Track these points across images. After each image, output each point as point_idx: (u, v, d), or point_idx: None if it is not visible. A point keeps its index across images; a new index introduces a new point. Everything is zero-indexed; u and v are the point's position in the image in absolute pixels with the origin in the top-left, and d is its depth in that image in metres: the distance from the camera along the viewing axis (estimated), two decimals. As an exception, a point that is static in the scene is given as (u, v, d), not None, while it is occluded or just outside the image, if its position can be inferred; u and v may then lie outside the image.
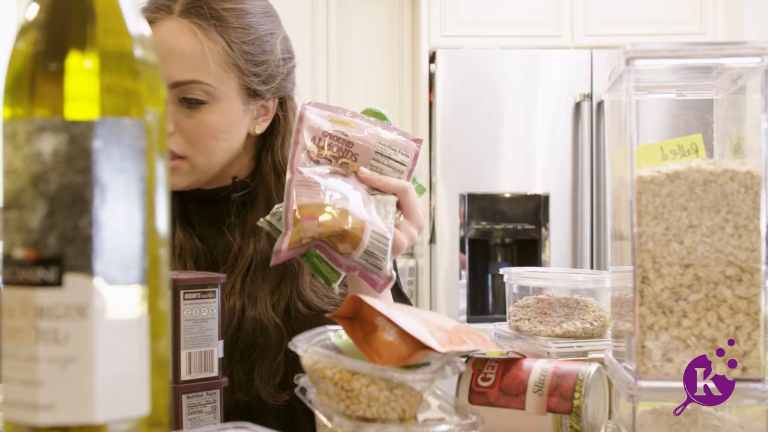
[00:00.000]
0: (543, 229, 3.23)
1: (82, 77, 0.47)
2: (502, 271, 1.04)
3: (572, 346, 0.92)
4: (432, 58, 3.37)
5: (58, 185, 0.46)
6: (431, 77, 3.37)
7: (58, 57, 0.46)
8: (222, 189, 1.13)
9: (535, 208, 3.24)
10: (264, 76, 1.09)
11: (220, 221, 1.14)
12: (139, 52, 0.49)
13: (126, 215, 0.47)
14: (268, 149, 1.14)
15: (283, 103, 1.14)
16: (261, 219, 0.91)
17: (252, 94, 1.08)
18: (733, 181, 0.69)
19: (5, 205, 0.47)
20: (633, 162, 0.70)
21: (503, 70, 3.27)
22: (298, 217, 0.82)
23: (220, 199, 1.13)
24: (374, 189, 0.89)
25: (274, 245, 0.85)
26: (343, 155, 0.88)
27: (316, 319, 1.06)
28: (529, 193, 3.25)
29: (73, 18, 0.47)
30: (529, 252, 3.27)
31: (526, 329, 0.96)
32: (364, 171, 0.88)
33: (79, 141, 0.46)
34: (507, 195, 3.25)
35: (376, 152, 0.90)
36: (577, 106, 3.24)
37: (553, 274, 1.04)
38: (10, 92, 0.48)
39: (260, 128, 1.12)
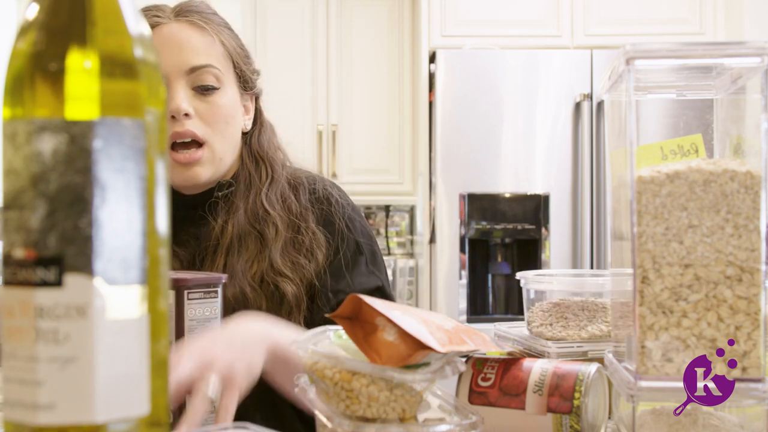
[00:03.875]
0: (543, 229, 3.23)
1: (82, 77, 0.46)
2: (518, 275, 1.03)
3: (572, 346, 0.92)
4: (432, 58, 3.37)
5: (58, 185, 0.46)
6: (431, 77, 3.37)
7: (58, 57, 0.46)
8: (206, 193, 1.22)
9: (535, 208, 3.24)
10: (251, 67, 1.26)
11: (202, 218, 1.22)
12: (139, 52, 0.49)
13: (126, 215, 0.47)
14: (247, 141, 1.27)
15: (258, 102, 1.31)
16: None
17: (243, 86, 1.24)
18: (733, 181, 0.69)
19: (5, 205, 0.47)
20: (633, 162, 0.70)
21: (503, 70, 3.27)
22: None
23: (204, 202, 1.22)
24: None
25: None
26: None
27: (285, 284, 1.17)
28: (529, 193, 3.25)
29: (73, 18, 0.47)
30: (529, 252, 3.27)
31: (550, 335, 0.94)
32: None
33: (79, 141, 0.46)
34: (507, 195, 3.25)
35: None
36: (577, 106, 3.24)
37: (575, 279, 1.03)
38: (10, 92, 0.48)
39: (247, 125, 1.26)
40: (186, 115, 1.15)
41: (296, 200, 1.23)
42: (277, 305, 1.16)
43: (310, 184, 1.27)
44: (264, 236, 1.19)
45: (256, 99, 1.30)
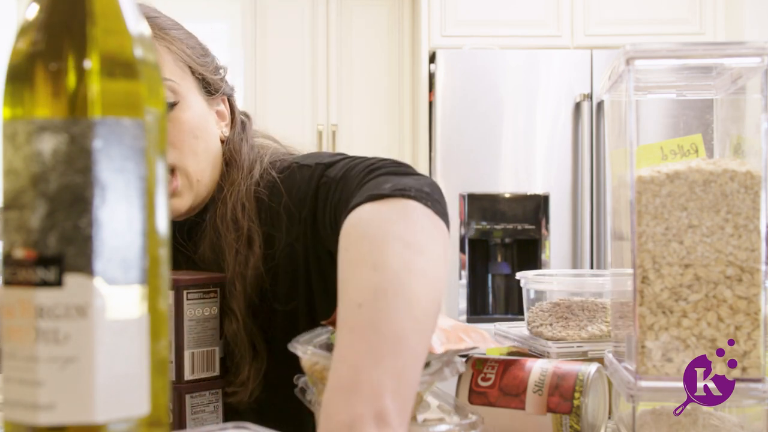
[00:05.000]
0: (543, 229, 3.23)
1: (82, 77, 0.46)
2: (518, 275, 1.03)
3: (572, 346, 0.92)
4: (432, 58, 3.37)
5: (58, 185, 0.46)
6: (431, 77, 3.37)
7: (58, 57, 0.46)
8: (197, 214, 1.10)
9: (535, 208, 3.24)
10: (211, 68, 1.10)
11: (194, 245, 1.10)
12: (139, 52, 0.49)
13: (126, 215, 0.47)
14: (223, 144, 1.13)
15: (231, 101, 1.16)
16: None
17: (207, 90, 1.09)
18: (733, 181, 0.69)
19: (5, 205, 0.47)
20: (633, 162, 0.70)
21: (503, 70, 3.27)
22: None
23: (191, 227, 1.10)
24: None
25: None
26: None
27: (228, 321, 1.01)
28: (529, 193, 3.24)
29: (73, 18, 0.47)
30: (529, 252, 3.27)
31: (550, 335, 0.95)
32: None
33: (79, 141, 0.46)
34: (507, 195, 3.25)
35: None
36: (577, 106, 3.24)
37: (575, 279, 1.03)
38: (10, 92, 0.48)
39: (225, 131, 1.12)
40: None
41: (254, 207, 1.07)
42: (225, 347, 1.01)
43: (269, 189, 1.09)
44: (220, 262, 1.05)
45: (229, 99, 1.15)
